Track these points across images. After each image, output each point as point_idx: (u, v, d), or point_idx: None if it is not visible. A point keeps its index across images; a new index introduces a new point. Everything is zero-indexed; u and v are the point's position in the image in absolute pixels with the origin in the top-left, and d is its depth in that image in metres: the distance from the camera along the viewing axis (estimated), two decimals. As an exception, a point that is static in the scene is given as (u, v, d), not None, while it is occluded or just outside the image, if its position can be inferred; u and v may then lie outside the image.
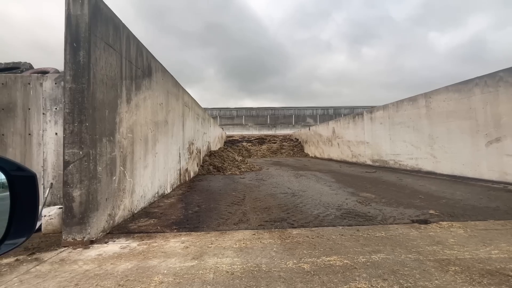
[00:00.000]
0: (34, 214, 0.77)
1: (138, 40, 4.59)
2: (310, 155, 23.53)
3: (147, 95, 4.95)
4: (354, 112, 40.71)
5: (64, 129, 3.10)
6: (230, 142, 27.19)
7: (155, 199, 5.36)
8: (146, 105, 4.87)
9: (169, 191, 6.34)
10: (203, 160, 11.70)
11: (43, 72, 6.87)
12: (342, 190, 6.36)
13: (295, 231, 3.38)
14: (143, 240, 3.16)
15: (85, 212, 3.07)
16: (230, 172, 10.67)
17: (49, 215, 3.52)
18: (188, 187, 7.26)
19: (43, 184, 3.93)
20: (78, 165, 3.08)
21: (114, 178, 3.66)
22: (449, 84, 8.62)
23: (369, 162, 13.54)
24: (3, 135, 3.94)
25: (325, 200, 5.24)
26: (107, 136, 3.49)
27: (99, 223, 3.25)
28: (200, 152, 11.30)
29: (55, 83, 3.99)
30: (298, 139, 28.04)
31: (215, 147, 17.00)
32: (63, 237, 3.02)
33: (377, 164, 12.78)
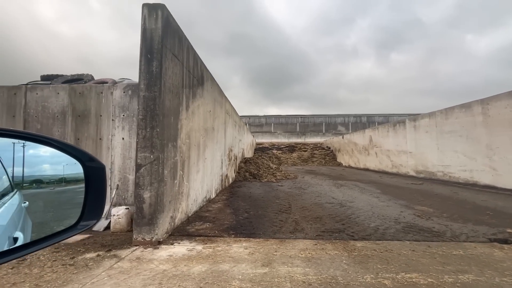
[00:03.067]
0: (102, 200, 0.86)
1: (195, 51, 4.83)
2: (344, 164, 22.71)
3: (200, 102, 5.15)
4: (389, 120, 38.81)
5: (138, 134, 3.31)
6: (260, 150, 27.29)
7: (204, 203, 5.49)
8: (199, 112, 5.06)
9: (213, 196, 6.46)
10: (239, 166, 11.84)
11: (103, 82, 7.50)
12: (393, 202, 5.99)
13: (358, 244, 3.22)
14: (205, 243, 3.22)
15: (154, 214, 3.22)
16: (266, 180, 10.64)
17: (117, 214, 3.76)
18: (230, 193, 7.36)
19: (110, 185, 4.22)
20: (149, 168, 3.26)
21: (176, 181, 3.81)
22: (510, 90, 7.84)
23: (412, 173, 12.69)
24: (78, 139, 4.33)
25: (378, 212, 4.96)
26: (172, 142, 3.67)
27: (164, 224, 3.38)
28: (236, 158, 11.46)
29: (124, 92, 4.32)
30: (330, 148, 27.29)
31: (247, 154, 17.16)
32: (134, 236, 3.19)
33: (422, 175, 11.92)
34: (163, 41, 3.40)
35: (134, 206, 3.24)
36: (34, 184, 0.82)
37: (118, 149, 4.25)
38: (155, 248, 3.03)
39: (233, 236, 3.57)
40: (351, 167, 20.26)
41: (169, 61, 3.58)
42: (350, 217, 4.59)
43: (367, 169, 17.59)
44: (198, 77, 5.02)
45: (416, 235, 3.59)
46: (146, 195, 3.23)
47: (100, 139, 4.30)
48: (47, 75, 8.94)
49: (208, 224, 4.11)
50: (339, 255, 2.82)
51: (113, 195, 4.09)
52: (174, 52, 3.78)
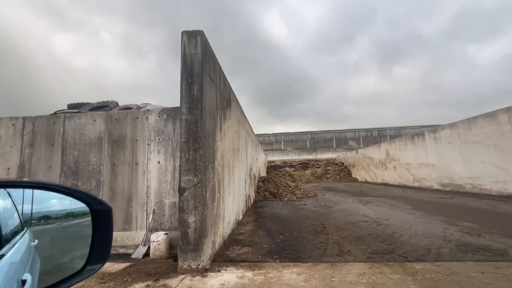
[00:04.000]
0: (109, 243, 0.88)
1: (224, 73, 4.93)
2: (360, 180, 22.17)
3: (229, 123, 5.18)
4: (400, 133, 38.24)
5: (180, 157, 3.30)
6: (272, 168, 27.05)
7: (234, 225, 5.34)
8: (228, 133, 5.07)
9: (241, 218, 6.30)
10: (257, 186, 11.67)
11: (127, 108, 7.70)
12: (431, 218, 5.69)
13: (417, 266, 3.00)
14: (253, 269, 3.07)
15: (199, 239, 3.12)
16: (287, 198, 10.41)
17: (157, 241, 3.66)
18: (255, 214, 7.17)
19: (146, 210, 4.17)
20: (192, 191, 3.21)
21: (214, 204, 3.73)
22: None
23: (436, 187, 12.21)
24: (114, 164, 4.35)
25: (420, 230, 4.70)
26: (211, 163, 3.64)
27: (207, 250, 3.26)
28: (255, 177, 11.33)
29: (159, 116, 4.38)
30: (343, 163, 26.84)
31: (262, 172, 17.00)
32: (179, 263, 3.07)
33: (448, 188, 11.44)
34: (202, 66, 3.48)
35: (179, 231, 3.15)
36: (42, 221, 0.85)
37: (153, 173, 4.24)
38: (203, 276, 2.89)
39: (278, 260, 3.40)
40: (368, 182, 19.73)
41: (207, 84, 3.64)
42: (393, 236, 4.35)
43: (385, 184, 17.08)
44: (227, 99, 5.08)
45: (476, 254, 3.33)
46: (191, 219, 3.15)
47: (136, 163, 4.31)
48: (74, 104, 9.27)
49: (248, 248, 3.95)
50: (403, 280, 2.62)
51: (149, 220, 4.02)
52: (210, 75, 3.86)
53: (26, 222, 0.85)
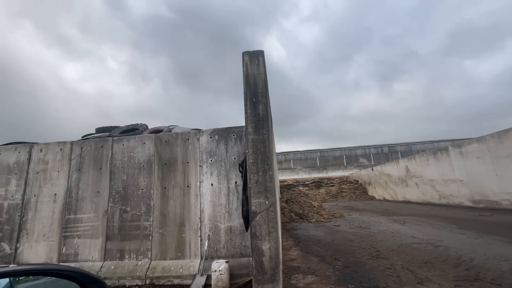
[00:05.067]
0: None
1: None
2: (377, 198, 21.52)
3: (273, 142, 5.06)
4: (411, 149, 37.76)
5: (249, 179, 3.14)
6: (285, 187, 26.55)
7: (280, 250, 5.04)
8: (274, 152, 4.94)
9: (281, 241, 5.98)
10: (281, 206, 11.32)
11: (158, 130, 7.70)
12: (489, 239, 5.33)
13: (521, 295, 2.70)
14: (337, 302, 2.78)
15: (275, 268, 2.87)
16: (315, 220, 10.02)
17: (219, 270, 3.41)
18: (291, 237, 6.85)
19: (200, 236, 3.94)
20: (265, 215, 3.02)
21: (279, 228, 3.51)
22: None
23: (467, 203, 11.71)
24: (165, 188, 4.20)
25: (488, 252, 4.36)
26: (274, 184, 3.47)
27: (281, 280, 3.00)
28: (279, 198, 11.03)
29: (210, 137, 4.29)
30: (357, 181, 26.27)
31: (278, 192, 16.64)
32: (256, 296, 2.80)
33: (481, 205, 10.95)
34: (266, 85, 3.43)
35: (252, 260, 2.92)
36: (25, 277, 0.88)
37: (207, 196, 4.07)
38: (287, 311, 2.62)
39: (355, 290, 3.11)
40: (388, 200, 19.12)
41: (268, 103, 3.57)
42: (463, 260, 4.03)
43: (407, 202, 16.51)
44: (271, 118, 5.02)
45: None
46: (265, 246, 2.93)
47: (188, 186, 4.15)
48: (102, 128, 9.32)
49: (312, 277, 3.67)
50: (521, 313, 2.32)
51: (205, 247, 3.79)
52: (267, 94, 3.81)
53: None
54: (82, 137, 8.16)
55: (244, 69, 3.51)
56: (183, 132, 4.37)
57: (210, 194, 4.06)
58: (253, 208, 3.06)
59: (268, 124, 3.31)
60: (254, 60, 3.52)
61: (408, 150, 38.42)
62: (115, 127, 8.98)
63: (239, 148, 4.16)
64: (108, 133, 8.24)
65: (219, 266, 3.44)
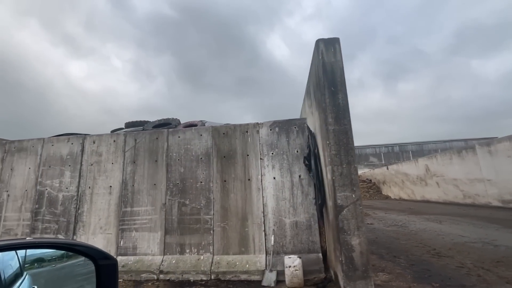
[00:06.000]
0: None
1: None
2: (392, 197, 21.26)
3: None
4: (423, 148, 37.27)
5: (333, 171, 3.01)
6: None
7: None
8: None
9: (326, 239, 5.85)
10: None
11: (192, 125, 7.59)
12: (547, 239, 5.13)
13: None
14: (434, 300, 2.65)
15: (367, 264, 2.75)
16: (343, 217, 9.85)
17: (294, 265, 3.29)
18: (331, 234, 6.70)
19: (264, 230, 3.83)
20: (352, 209, 2.89)
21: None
22: None
23: (496, 203, 11.44)
24: (225, 181, 4.09)
25: (558, 252, 4.17)
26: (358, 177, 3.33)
27: (372, 276, 2.87)
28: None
29: (270, 129, 4.17)
30: (371, 180, 26.01)
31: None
32: (348, 293, 2.68)
33: (511, 205, 10.69)
34: (343, 73, 3.29)
35: (341, 255, 2.79)
36: (35, 264, 0.85)
37: (270, 190, 3.95)
38: (387, 309, 2.49)
39: (442, 289, 2.97)
40: (404, 200, 18.87)
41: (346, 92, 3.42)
42: (537, 260, 3.85)
43: (427, 201, 16.26)
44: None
45: None
46: (355, 241, 2.80)
47: (249, 179, 4.03)
48: (132, 122, 9.25)
49: (384, 274, 3.53)
50: None
51: (271, 242, 3.67)
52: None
53: (25, 267, 0.83)
54: (111, 132, 8.09)
55: (320, 57, 3.37)
56: (242, 124, 4.25)
57: (273, 188, 3.93)
58: (338, 202, 2.93)
59: (349, 115, 3.17)
60: (330, 48, 3.38)
61: (419, 149, 37.96)
62: (145, 121, 8.90)
63: (302, 141, 4.03)
64: (142, 127, 8.17)
65: (293, 262, 3.32)
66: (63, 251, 0.90)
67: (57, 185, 4.44)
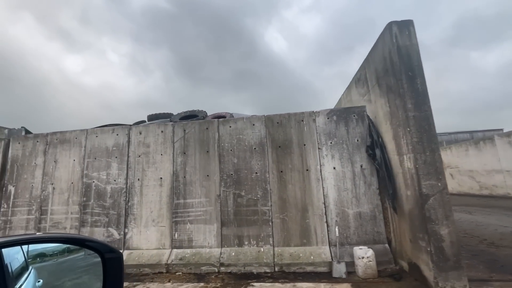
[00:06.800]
0: None
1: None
2: (403, 189, 21.26)
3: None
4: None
5: (416, 159, 2.90)
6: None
7: (381, 239, 4.83)
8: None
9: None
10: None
11: (220, 116, 7.43)
12: None
13: None
14: (529, 291, 2.57)
15: (458, 254, 2.66)
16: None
17: (367, 256, 3.20)
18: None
19: (326, 221, 3.73)
20: (439, 198, 2.78)
21: (426, 213, 3.27)
22: None
23: (516, 194, 11.42)
24: (281, 171, 3.97)
25: None
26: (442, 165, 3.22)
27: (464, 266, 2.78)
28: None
29: (327, 118, 4.02)
30: (379, 172, 25.97)
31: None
32: (440, 284, 2.59)
33: (533, 196, 10.66)
34: (420, 57, 3.13)
35: (430, 245, 2.70)
36: (39, 259, 0.89)
37: (330, 180, 3.83)
38: (488, 300, 2.41)
39: (526, 279, 2.89)
40: (417, 192, 18.85)
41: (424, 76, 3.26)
42: None
43: (440, 193, 16.26)
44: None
45: None
46: (444, 231, 2.70)
47: (307, 170, 3.91)
48: (156, 114, 9.07)
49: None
50: None
51: (336, 233, 3.57)
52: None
53: (31, 261, 0.85)
54: (134, 124, 7.90)
55: (394, 41, 3.21)
56: (296, 113, 4.10)
57: (333, 178, 3.82)
58: (424, 191, 2.82)
59: (429, 100, 3.03)
60: (405, 31, 3.22)
61: (424, 142, 37.85)
62: (169, 114, 8.71)
63: (362, 130, 3.89)
64: (169, 119, 7.99)
65: (366, 253, 3.23)
66: (65, 246, 0.93)
67: (104, 177, 4.30)
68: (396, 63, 3.17)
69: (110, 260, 0.90)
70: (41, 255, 0.91)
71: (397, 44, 3.18)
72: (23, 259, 0.84)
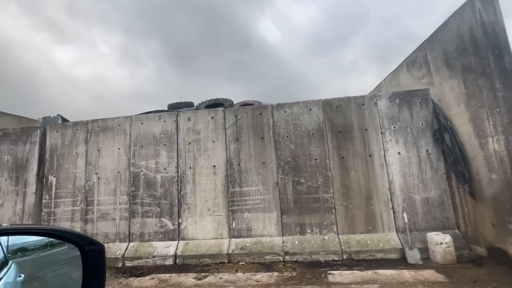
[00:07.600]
0: (102, 282, 0.87)
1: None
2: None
3: None
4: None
5: (507, 141, 2.78)
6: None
7: None
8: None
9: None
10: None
11: (247, 104, 7.20)
12: None
13: None
14: None
15: (557, 237, 2.57)
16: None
17: (446, 242, 3.12)
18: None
19: (392, 208, 3.63)
20: (533, 181, 2.67)
21: (504, 198, 3.18)
22: None
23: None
24: (342, 157, 3.84)
25: None
26: (505, 150, 3.10)
27: (546, 251, 2.71)
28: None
29: (390, 102, 3.87)
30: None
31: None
32: (539, 268, 2.52)
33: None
34: (506, 34, 2.97)
35: (526, 229, 2.61)
36: (19, 253, 0.87)
37: (395, 166, 3.72)
38: None
39: None
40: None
41: (499, 57, 3.12)
42: None
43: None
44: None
45: None
46: (541, 214, 2.61)
47: (370, 155, 3.78)
48: (177, 103, 8.79)
49: (527, 249, 3.39)
50: None
51: (405, 219, 3.48)
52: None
53: (11, 256, 0.83)
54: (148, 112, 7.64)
55: (478, 17, 3.04)
56: (356, 97, 3.94)
57: (398, 164, 3.70)
58: (517, 173, 2.70)
59: (517, 80, 2.89)
60: (489, 6, 3.04)
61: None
62: (190, 102, 8.45)
63: (426, 113, 3.76)
64: (193, 107, 7.74)
65: (444, 238, 3.15)
66: (47, 240, 0.90)
67: (153, 166, 4.11)
68: (480, 41, 3.02)
69: (91, 252, 0.88)
70: (22, 250, 0.88)
71: (481, 20, 3.02)
72: (2, 254, 0.81)
